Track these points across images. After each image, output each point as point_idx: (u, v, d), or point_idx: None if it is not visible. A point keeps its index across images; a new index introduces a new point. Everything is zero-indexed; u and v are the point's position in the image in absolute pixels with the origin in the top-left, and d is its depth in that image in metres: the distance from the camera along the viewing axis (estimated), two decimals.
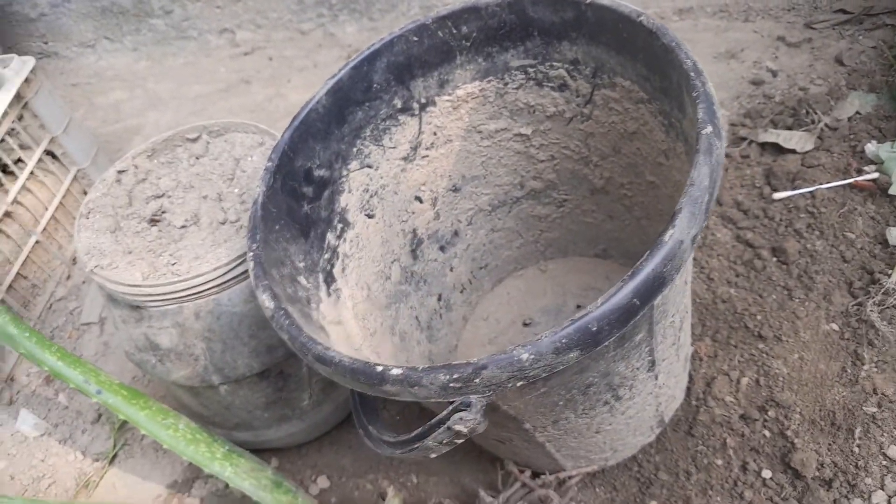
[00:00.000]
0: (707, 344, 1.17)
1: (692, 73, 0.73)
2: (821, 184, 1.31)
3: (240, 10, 2.23)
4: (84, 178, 1.74)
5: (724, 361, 1.15)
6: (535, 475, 1.08)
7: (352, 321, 0.96)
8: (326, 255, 0.96)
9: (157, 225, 1.05)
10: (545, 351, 0.60)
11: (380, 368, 0.65)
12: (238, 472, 1.05)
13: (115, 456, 1.35)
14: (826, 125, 1.42)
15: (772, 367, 1.11)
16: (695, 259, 1.29)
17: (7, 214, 1.53)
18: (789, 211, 1.30)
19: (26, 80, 1.52)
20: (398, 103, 1.02)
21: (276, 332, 0.75)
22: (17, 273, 1.55)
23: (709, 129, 0.68)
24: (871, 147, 1.33)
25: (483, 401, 0.64)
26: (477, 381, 0.61)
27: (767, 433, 1.06)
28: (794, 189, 1.33)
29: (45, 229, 1.62)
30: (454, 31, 0.98)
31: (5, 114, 1.47)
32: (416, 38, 0.98)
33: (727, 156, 1.46)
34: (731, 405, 1.10)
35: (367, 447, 1.23)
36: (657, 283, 0.61)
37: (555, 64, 0.98)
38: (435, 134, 1.08)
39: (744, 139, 1.48)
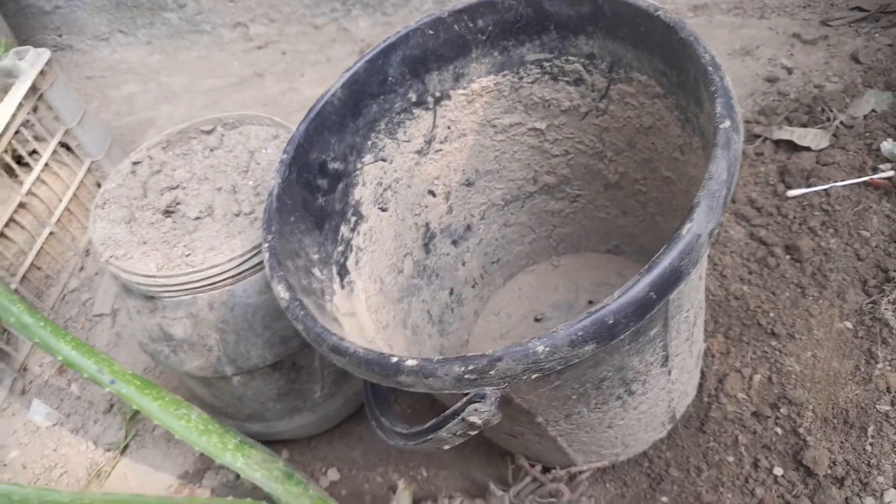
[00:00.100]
0: (719, 341, 1.17)
1: (710, 68, 0.73)
2: (835, 181, 1.30)
3: (253, 4, 2.24)
4: (98, 170, 1.74)
5: (737, 358, 1.14)
6: (546, 469, 1.08)
7: (365, 314, 0.96)
8: (340, 248, 0.96)
9: (171, 216, 1.05)
10: (561, 343, 0.60)
11: (395, 359, 0.65)
12: (249, 463, 1.06)
13: (126, 446, 1.36)
14: (841, 123, 1.42)
15: (784, 365, 1.11)
16: (708, 256, 1.28)
17: (22, 205, 1.54)
18: (803, 209, 1.30)
19: (41, 72, 1.53)
20: (413, 97, 1.02)
21: (291, 322, 0.75)
22: (32, 264, 1.56)
23: (727, 123, 0.68)
24: (886, 145, 1.32)
25: (498, 393, 0.64)
26: (492, 372, 0.61)
27: (779, 430, 1.05)
28: (808, 187, 1.32)
29: (59, 220, 1.63)
30: (470, 25, 0.98)
31: (20, 105, 1.48)
32: (431, 32, 0.98)
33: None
34: (744, 402, 1.09)
35: (377, 440, 1.24)
36: (674, 277, 0.61)
37: (571, 58, 0.98)
38: (449, 128, 1.08)
39: (758, 136, 1.47)
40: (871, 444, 1.00)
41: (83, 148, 1.70)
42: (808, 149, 1.40)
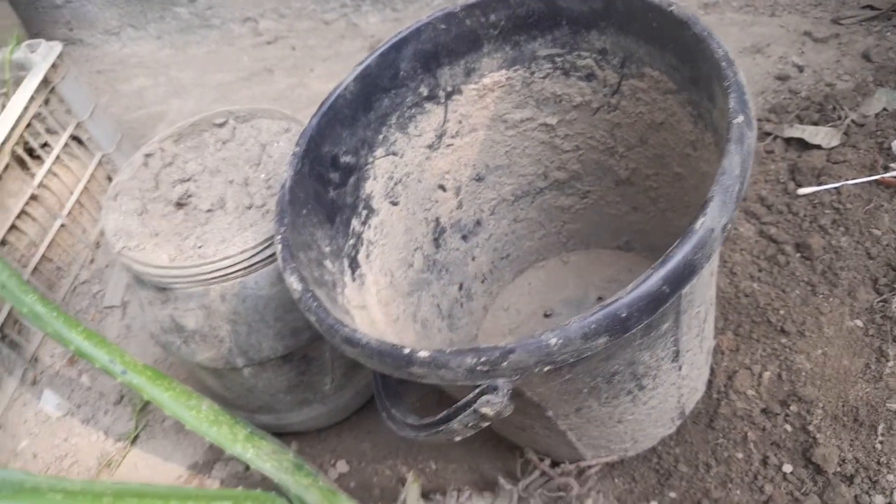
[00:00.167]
0: (729, 338, 1.17)
1: (724, 63, 0.73)
2: (846, 180, 1.30)
3: None
4: (108, 163, 1.75)
5: (747, 355, 1.14)
6: (555, 464, 1.08)
7: (375, 307, 0.97)
8: (351, 241, 0.96)
9: (183, 208, 1.06)
10: (574, 336, 0.60)
11: (407, 350, 0.65)
12: (260, 455, 1.06)
13: (136, 437, 1.37)
14: (852, 121, 1.41)
15: (794, 362, 1.10)
16: (719, 253, 1.28)
17: (34, 198, 1.55)
18: (814, 207, 1.29)
19: (53, 65, 1.54)
20: (424, 91, 1.02)
21: (304, 314, 0.75)
22: (43, 255, 1.57)
23: (740, 118, 0.68)
24: None
25: (510, 384, 0.64)
26: (504, 364, 0.62)
27: (789, 427, 1.05)
28: (819, 185, 1.32)
29: (70, 213, 1.64)
30: (482, 20, 0.98)
31: (32, 98, 1.49)
32: (443, 27, 0.98)
33: None
34: (753, 399, 1.09)
35: (386, 433, 1.24)
36: (687, 272, 0.61)
37: (583, 53, 0.98)
38: (460, 122, 1.08)
39: (769, 134, 1.47)
40: (881, 442, 1.00)
41: (94, 141, 1.71)
42: (818, 147, 1.40)
